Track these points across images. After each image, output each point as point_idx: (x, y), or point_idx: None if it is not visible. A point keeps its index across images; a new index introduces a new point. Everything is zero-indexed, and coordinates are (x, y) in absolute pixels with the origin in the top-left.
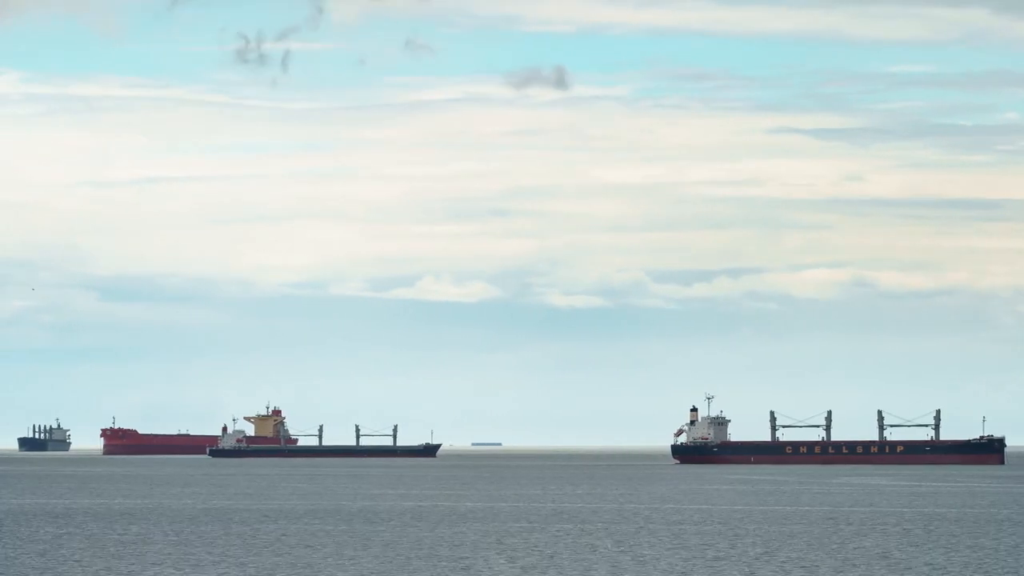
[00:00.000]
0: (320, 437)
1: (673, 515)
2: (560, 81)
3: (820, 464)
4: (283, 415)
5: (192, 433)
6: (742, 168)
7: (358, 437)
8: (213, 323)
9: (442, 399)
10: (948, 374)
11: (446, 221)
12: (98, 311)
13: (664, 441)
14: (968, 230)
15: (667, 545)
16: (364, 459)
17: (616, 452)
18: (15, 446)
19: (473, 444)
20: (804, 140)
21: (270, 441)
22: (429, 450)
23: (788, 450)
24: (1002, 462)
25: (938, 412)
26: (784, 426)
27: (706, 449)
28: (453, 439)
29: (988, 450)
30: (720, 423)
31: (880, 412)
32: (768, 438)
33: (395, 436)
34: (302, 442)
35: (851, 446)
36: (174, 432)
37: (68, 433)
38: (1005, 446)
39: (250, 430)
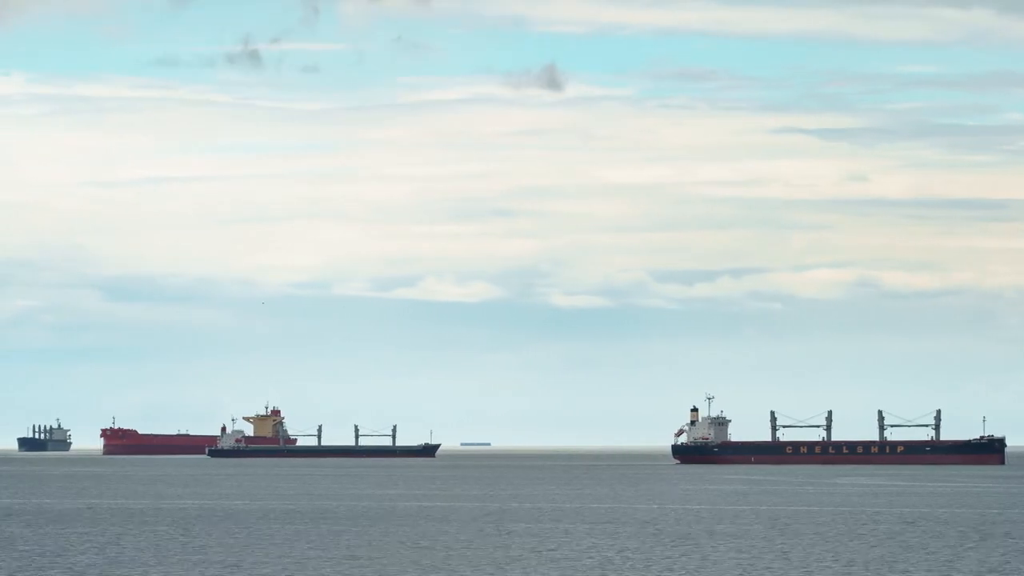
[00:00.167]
0: (319, 437)
1: (655, 515)
2: (563, 81)
3: (820, 464)
4: (282, 415)
5: (192, 433)
6: (745, 168)
7: (357, 437)
8: (215, 323)
9: (442, 399)
10: (949, 374)
11: (449, 221)
12: (100, 311)
13: (665, 441)
14: (972, 230)
15: (651, 544)
16: (362, 459)
17: (616, 452)
18: (15, 446)
19: (462, 444)
20: (808, 140)
21: (269, 441)
22: (428, 450)
23: (788, 450)
24: (1002, 462)
25: (938, 412)
26: (784, 426)
27: (706, 449)
28: (441, 439)
29: (988, 450)
30: (720, 423)
31: (880, 412)
32: (768, 438)
33: (394, 436)
34: (301, 442)
35: (851, 446)
36: (174, 432)
37: (69, 433)
38: (1006, 446)
39: (249, 430)
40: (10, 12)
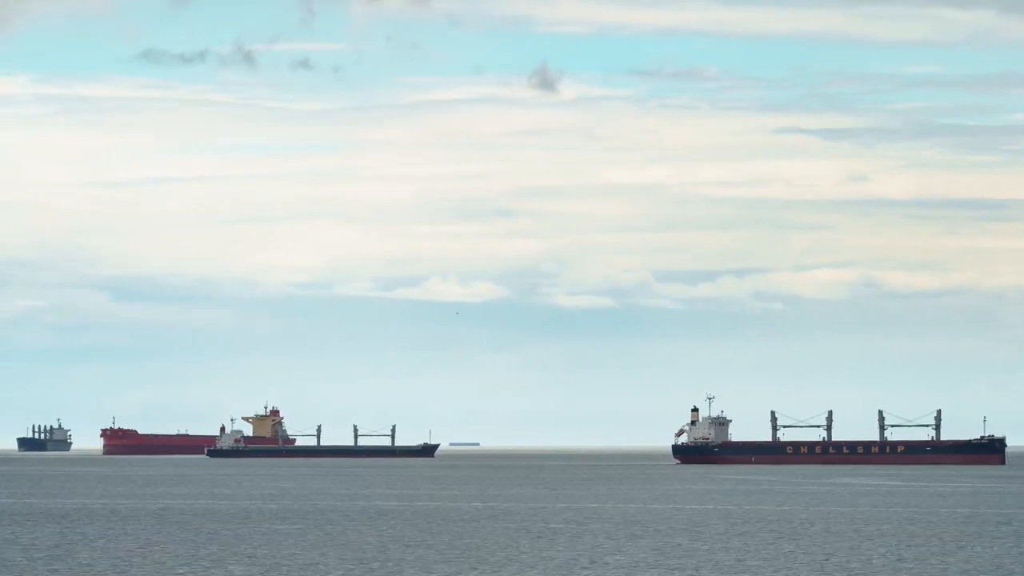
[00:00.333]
0: (318, 437)
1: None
2: (564, 81)
3: (821, 464)
4: (281, 415)
5: (191, 433)
6: (747, 168)
7: (356, 437)
8: (217, 323)
9: (442, 399)
10: (950, 374)
11: (452, 221)
12: (103, 311)
13: (666, 441)
14: (974, 230)
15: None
16: (361, 459)
17: (616, 452)
18: (15, 446)
19: (451, 444)
20: (810, 140)
21: (268, 441)
22: (427, 450)
23: (789, 450)
24: (1003, 462)
25: (939, 412)
26: (785, 426)
27: (707, 449)
28: (430, 439)
29: (989, 450)
30: (721, 423)
31: (881, 412)
32: (769, 438)
33: (393, 436)
34: (300, 442)
35: (852, 446)
36: (174, 432)
37: (69, 433)
38: (1006, 446)
39: (248, 430)
40: (13, 13)
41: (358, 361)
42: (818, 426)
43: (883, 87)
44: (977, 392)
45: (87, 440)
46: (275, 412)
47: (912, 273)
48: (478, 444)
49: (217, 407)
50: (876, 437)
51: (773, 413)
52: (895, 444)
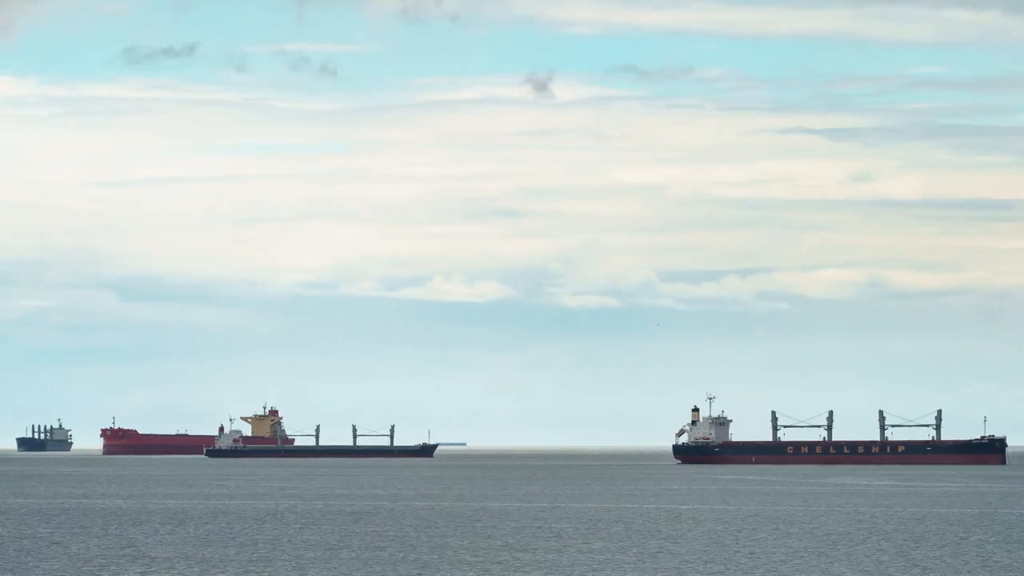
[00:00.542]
0: (317, 437)
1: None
2: (572, 81)
3: (821, 464)
4: (280, 415)
5: (191, 433)
6: (753, 168)
7: (355, 437)
8: (219, 324)
9: (443, 399)
10: (951, 374)
11: (457, 221)
12: (109, 311)
13: (668, 441)
14: (980, 230)
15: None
16: (360, 459)
17: (617, 452)
18: (14, 446)
19: (439, 444)
20: (816, 140)
21: (267, 441)
22: (426, 450)
23: (789, 450)
24: (1003, 462)
25: (939, 412)
26: (785, 426)
27: (707, 449)
28: (428, 439)
29: (989, 450)
30: (721, 423)
31: (881, 412)
32: (769, 438)
33: (392, 436)
34: (299, 442)
35: (852, 446)
36: (173, 432)
37: (69, 433)
38: (1006, 446)
39: (247, 430)
40: (21, 15)
41: (361, 361)
42: (819, 426)
43: (889, 88)
44: (978, 392)
45: (87, 440)
46: (274, 412)
47: (918, 273)
48: (464, 444)
49: (218, 407)
50: (877, 437)
51: (774, 413)
52: (895, 444)
